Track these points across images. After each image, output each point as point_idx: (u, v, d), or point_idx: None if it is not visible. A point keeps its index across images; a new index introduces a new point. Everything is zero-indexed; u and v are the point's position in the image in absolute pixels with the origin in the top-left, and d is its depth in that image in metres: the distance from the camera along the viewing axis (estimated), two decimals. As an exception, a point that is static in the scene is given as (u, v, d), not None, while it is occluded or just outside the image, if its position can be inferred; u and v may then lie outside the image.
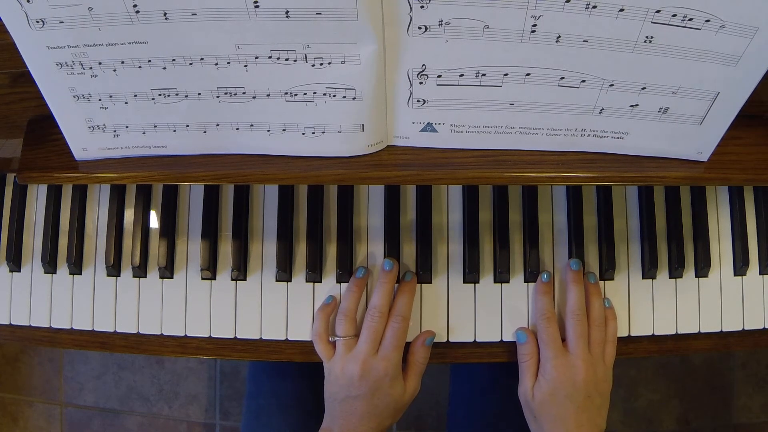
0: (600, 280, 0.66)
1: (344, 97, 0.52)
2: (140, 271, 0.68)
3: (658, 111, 0.53)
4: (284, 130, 0.55)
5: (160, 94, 0.53)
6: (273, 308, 0.67)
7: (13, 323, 0.69)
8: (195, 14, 0.46)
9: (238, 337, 0.67)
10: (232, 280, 0.67)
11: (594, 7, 0.45)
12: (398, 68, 0.51)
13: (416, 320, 0.66)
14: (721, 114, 0.53)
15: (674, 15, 0.45)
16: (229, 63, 0.50)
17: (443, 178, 0.58)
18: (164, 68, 0.51)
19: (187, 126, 0.55)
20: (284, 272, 0.66)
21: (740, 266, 0.67)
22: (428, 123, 0.55)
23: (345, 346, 0.63)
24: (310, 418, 0.77)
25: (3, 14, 0.47)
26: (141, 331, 0.67)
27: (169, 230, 0.68)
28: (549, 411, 0.61)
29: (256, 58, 0.50)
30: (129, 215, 0.69)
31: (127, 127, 0.56)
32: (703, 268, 0.66)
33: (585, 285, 0.65)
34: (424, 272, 0.66)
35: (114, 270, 0.68)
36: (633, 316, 0.66)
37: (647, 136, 0.55)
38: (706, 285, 0.67)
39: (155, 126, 0.56)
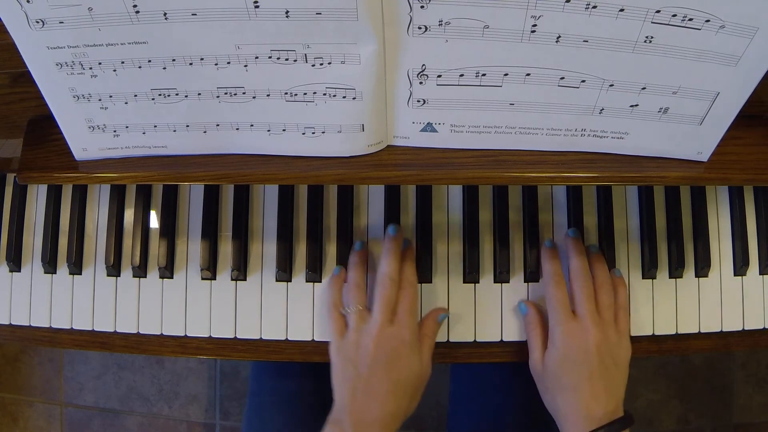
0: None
1: (344, 97, 0.52)
2: (140, 271, 0.68)
3: (658, 111, 0.53)
4: (284, 130, 0.55)
5: (160, 94, 0.53)
6: (273, 308, 0.67)
7: (13, 323, 0.69)
8: (195, 14, 0.46)
9: (238, 337, 0.67)
10: (232, 280, 0.67)
11: (594, 7, 0.45)
12: (398, 68, 0.51)
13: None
14: (721, 114, 0.53)
15: (674, 15, 0.45)
16: (229, 63, 0.50)
17: (443, 178, 0.58)
18: (164, 68, 0.51)
19: (187, 126, 0.55)
20: (284, 272, 0.66)
21: (740, 266, 0.67)
22: (428, 123, 0.55)
23: (359, 317, 0.59)
24: (311, 413, 0.77)
25: (3, 14, 0.47)
26: (141, 331, 0.67)
27: (169, 230, 0.68)
28: (561, 380, 0.58)
29: (256, 58, 0.50)
30: (129, 215, 0.69)
31: (127, 127, 0.56)
32: (703, 268, 0.66)
33: (587, 254, 0.64)
34: (424, 272, 0.66)
35: (114, 270, 0.68)
36: (633, 316, 0.66)
37: (647, 136, 0.55)
38: (706, 285, 0.67)
39: (155, 126, 0.56)
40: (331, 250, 0.67)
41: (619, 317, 0.61)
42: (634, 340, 0.66)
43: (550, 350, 0.60)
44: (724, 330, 0.66)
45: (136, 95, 0.53)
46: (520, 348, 0.66)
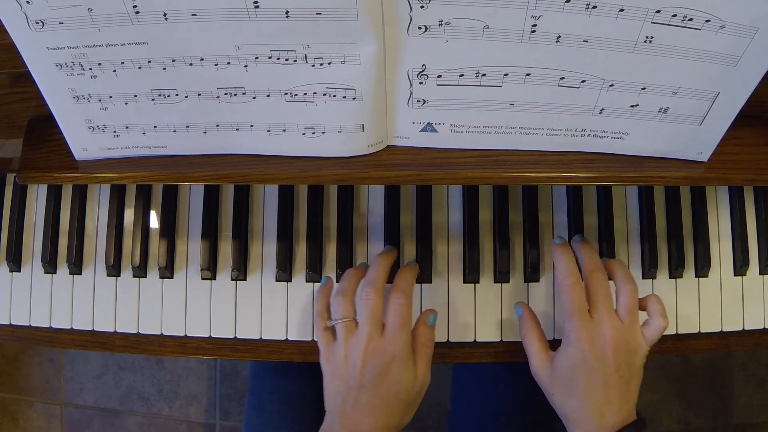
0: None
1: (344, 97, 0.52)
2: (140, 271, 0.68)
3: (658, 111, 0.53)
4: (284, 130, 0.55)
5: (160, 95, 0.53)
6: (273, 308, 0.67)
7: (13, 323, 0.69)
8: (195, 15, 0.46)
9: (238, 337, 0.67)
10: (232, 280, 0.67)
11: (594, 7, 0.45)
12: (398, 68, 0.51)
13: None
14: (721, 114, 0.53)
15: (674, 15, 0.45)
16: (229, 63, 0.50)
17: (443, 178, 0.58)
18: (164, 69, 0.51)
19: (187, 126, 0.55)
20: (284, 272, 0.66)
21: (740, 266, 0.67)
22: (428, 123, 0.55)
23: (346, 330, 0.57)
24: (311, 412, 0.77)
25: (3, 15, 0.47)
26: (141, 331, 0.67)
27: (169, 230, 0.68)
28: (573, 386, 0.55)
29: (256, 58, 0.50)
30: (129, 215, 0.69)
31: (127, 127, 0.56)
32: (703, 268, 0.66)
33: (604, 263, 0.61)
34: (424, 272, 0.66)
35: (114, 270, 0.68)
36: (633, 316, 0.66)
37: (647, 136, 0.55)
38: (706, 285, 0.67)
39: (155, 126, 0.56)
40: (331, 250, 0.67)
41: (651, 324, 0.57)
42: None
43: (563, 354, 0.56)
44: (724, 330, 0.66)
45: (136, 96, 0.53)
46: (521, 348, 0.66)
